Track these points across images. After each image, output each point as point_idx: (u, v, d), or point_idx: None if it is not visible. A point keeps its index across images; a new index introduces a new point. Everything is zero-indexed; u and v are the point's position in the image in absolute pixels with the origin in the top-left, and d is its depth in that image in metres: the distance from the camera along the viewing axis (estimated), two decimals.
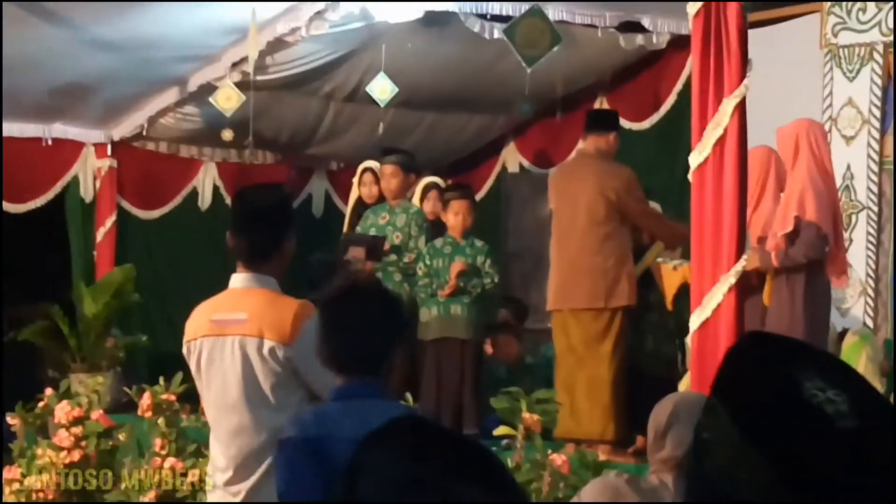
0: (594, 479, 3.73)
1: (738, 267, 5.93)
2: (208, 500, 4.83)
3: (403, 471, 1.41)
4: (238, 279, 4.60)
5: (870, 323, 9.04)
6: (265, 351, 4.45)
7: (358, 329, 3.71)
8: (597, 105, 11.00)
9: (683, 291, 7.67)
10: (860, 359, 7.72)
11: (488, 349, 9.41)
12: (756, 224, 7.14)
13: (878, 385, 7.57)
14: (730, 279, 5.90)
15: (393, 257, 8.78)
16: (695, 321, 5.99)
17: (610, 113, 8.90)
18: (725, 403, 1.45)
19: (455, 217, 8.51)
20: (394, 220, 8.92)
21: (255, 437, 4.50)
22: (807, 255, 6.92)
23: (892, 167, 9.17)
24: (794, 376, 1.45)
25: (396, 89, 9.74)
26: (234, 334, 4.51)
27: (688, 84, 7.94)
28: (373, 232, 8.90)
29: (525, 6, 9.12)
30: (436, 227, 8.93)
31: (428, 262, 8.46)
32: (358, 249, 8.67)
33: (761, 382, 1.46)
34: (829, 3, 9.51)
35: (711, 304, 5.91)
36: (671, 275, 7.99)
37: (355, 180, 9.89)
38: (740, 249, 5.96)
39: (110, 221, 11.15)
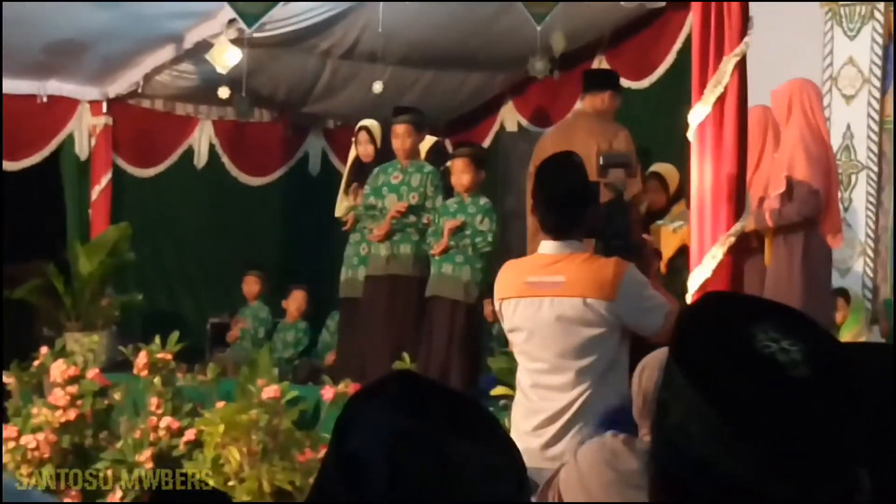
0: (590, 440, 3.70)
1: (738, 227, 5.91)
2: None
3: (395, 424, 1.39)
4: (549, 246, 4.97)
5: (869, 283, 9.02)
6: (587, 309, 4.88)
7: None
8: (595, 64, 10.93)
9: (682, 253, 7.62)
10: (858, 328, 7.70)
11: (488, 310, 9.26)
12: (757, 185, 7.10)
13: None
14: (729, 239, 5.88)
15: (411, 218, 8.62)
16: (694, 280, 5.97)
17: (608, 72, 8.83)
18: (681, 361, 1.45)
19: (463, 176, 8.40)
20: (408, 179, 8.67)
21: (569, 394, 4.94)
22: (801, 212, 6.87)
23: (892, 127, 9.13)
24: (748, 330, 1.45)
25: None
26: (552, 296, 4.93)
27: (687, 42, 7.89)
28: (385, 191, 8.70)
29: None
30: None
31: (436, 221, 8.37)
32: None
33: (714, 338, 1.46)
34: None
35: (711, 263, 5.89)
36: (670, 237, 7.94)
37: (354, 140, 9.81)
38: (740, 208, 5.94)
39: (105, 179, 11.09)
